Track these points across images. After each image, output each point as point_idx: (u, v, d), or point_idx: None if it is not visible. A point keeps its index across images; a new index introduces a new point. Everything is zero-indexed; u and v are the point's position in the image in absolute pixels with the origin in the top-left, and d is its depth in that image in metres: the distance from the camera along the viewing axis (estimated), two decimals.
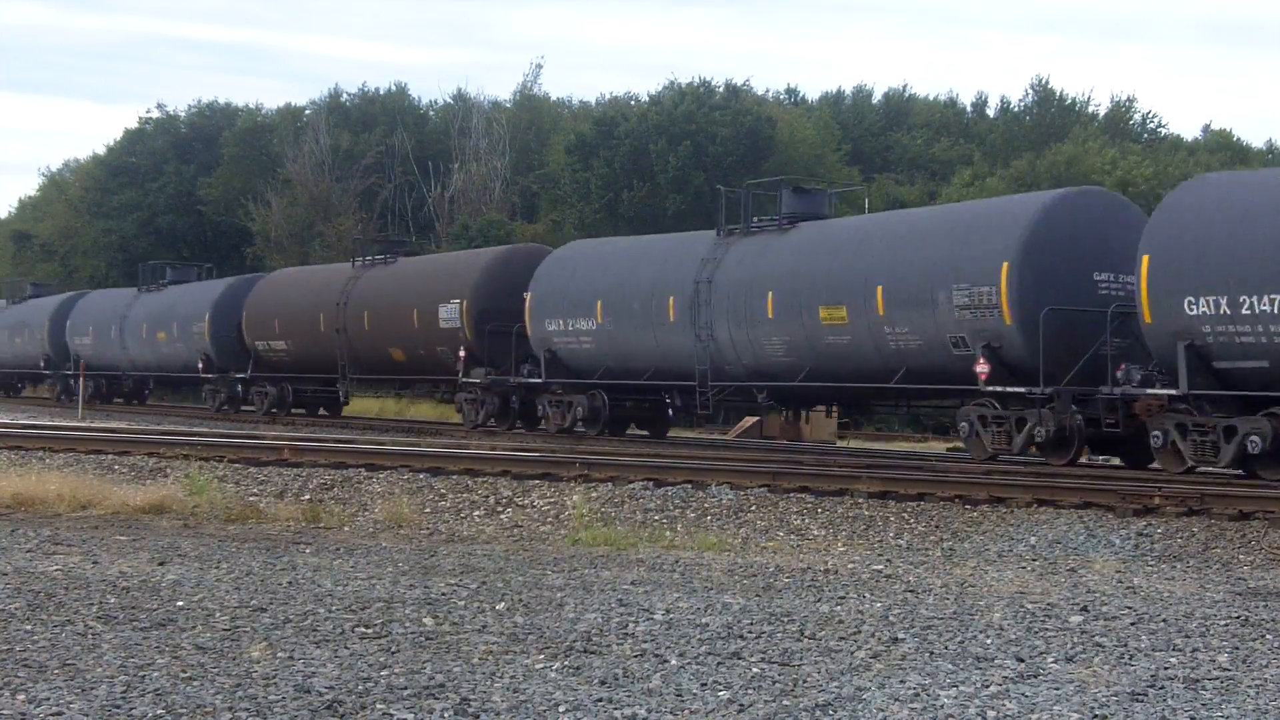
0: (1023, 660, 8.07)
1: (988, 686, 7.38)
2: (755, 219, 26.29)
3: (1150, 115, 62.95)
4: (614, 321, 27.19)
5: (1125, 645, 8.54)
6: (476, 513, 16.12)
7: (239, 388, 38.65)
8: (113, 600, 9.56)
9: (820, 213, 25.75)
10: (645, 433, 29.36)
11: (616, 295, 27.18)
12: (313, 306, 35.25)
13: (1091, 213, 20.94)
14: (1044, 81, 60.21)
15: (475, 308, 29.82)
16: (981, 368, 20.54)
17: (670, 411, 29.01)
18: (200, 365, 39.63)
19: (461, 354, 29.78)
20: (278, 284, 38.67)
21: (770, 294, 23.95)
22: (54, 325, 48.14)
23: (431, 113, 65.57)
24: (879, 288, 22.07)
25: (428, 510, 16.14)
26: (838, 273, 22.99)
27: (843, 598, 10.25)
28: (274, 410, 36.55)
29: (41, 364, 49.08)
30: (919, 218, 24.18)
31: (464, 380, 29.86)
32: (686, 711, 6.82)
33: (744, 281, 24.59)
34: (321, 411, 37.49)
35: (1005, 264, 20.30)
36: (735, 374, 25.05)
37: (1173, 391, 18.02)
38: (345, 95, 64.75)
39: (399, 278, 33.36)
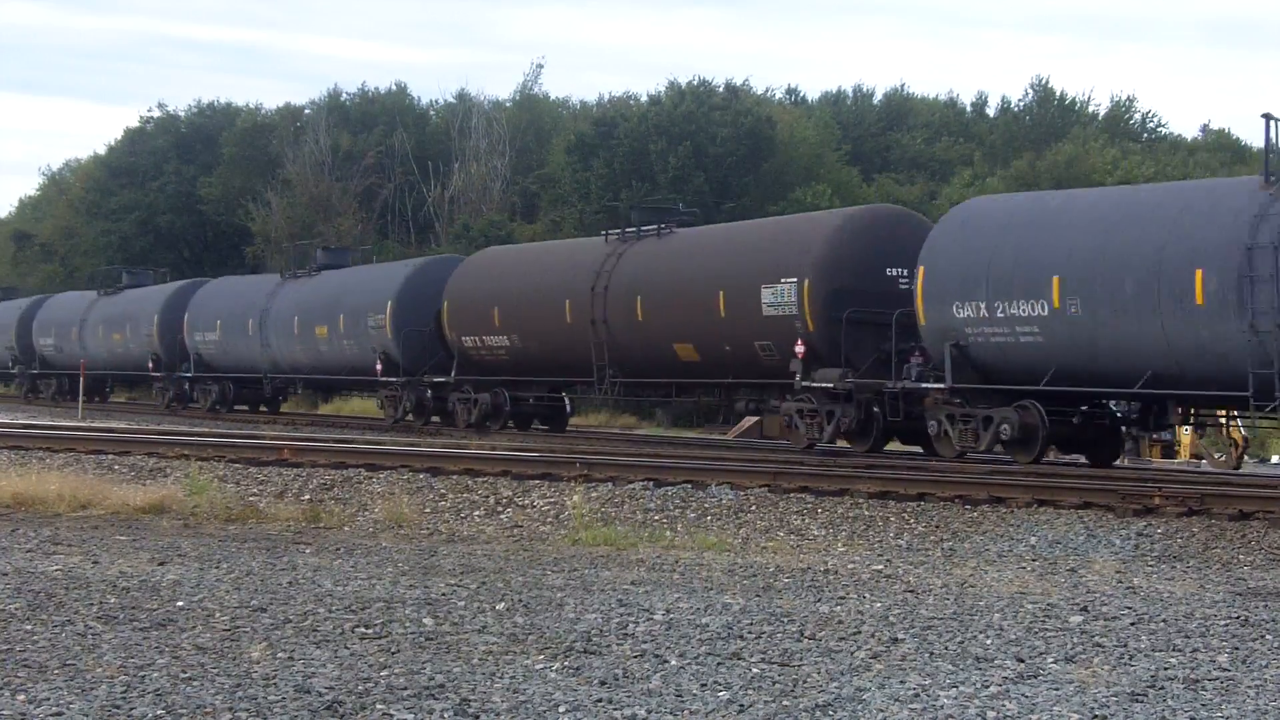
0: (1023, 660, 8.07)
1: (988, 687, 7.38)
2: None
3: (1150, 115, 63.02)
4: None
5: (1125, 645, 8.54)
6: (477, 513, 16.12)
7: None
8: (113, 600, 9.56)
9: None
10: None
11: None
12: (552, 292, 28.56)
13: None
14: (1044, 82, 60.26)
15: (822, 288, 22.97)
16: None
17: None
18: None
19: (799, 349, 23.07)
20: (492, 265, 31.86)
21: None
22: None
23: (432, 113, 65.55)
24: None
25: (428, 510, 16.14)
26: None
27: (843, 598, 10.25)
28: (487, 423, 30.07)
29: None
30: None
31: (802, 384, 23.08)
32: (686, 712, 6.82)
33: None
34: (537, 425, 31.31)
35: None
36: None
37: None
38: (345, 95, 64.76)
39: (683, 253, 26.63)
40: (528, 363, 29.25)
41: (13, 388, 52.69)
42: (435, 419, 31.86)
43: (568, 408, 31.04)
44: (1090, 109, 59.37)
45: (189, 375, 40.35)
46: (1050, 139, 52.66)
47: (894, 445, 24.11)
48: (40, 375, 49.12)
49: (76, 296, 50.13)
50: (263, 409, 39.86)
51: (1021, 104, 59.51)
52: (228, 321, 38.92)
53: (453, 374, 30.57)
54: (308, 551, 12.60)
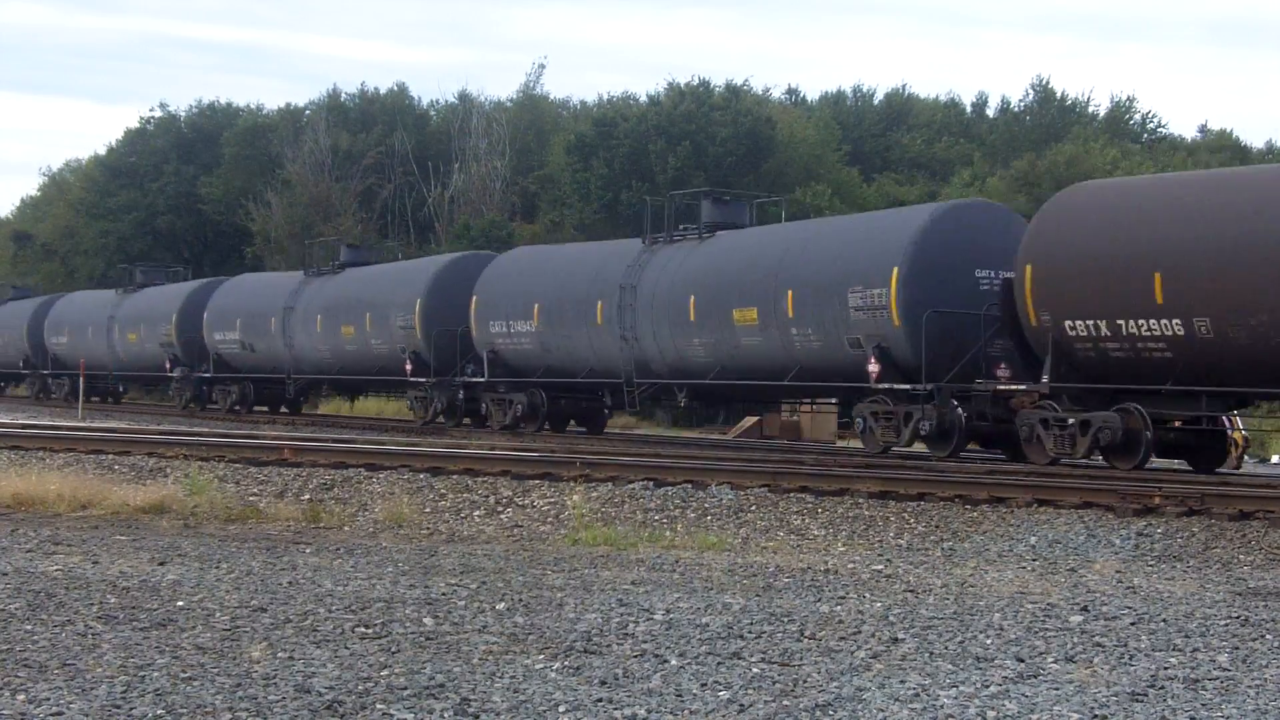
0: (1023, 660, 8.07)
1: (988, 687, 7.38)
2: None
3: (1150, 115, 63.02)
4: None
5: (1125, 645, 8.53)
6: (476, 513, 16.12)
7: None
8: (113, 600, 9.56)
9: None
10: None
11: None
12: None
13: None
14: (1045, 82, 60.25)
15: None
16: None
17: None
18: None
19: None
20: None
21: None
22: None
23: (432, 113, 65.53)
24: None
25: (428, 510, 16.14)
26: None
27: (843, 598, 10.25)
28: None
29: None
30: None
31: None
32: (686, 711, 6.82)
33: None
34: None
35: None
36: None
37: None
38: (345, 95, 64.75)
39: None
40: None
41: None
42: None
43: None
44: (1090, 109, 59.39)
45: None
46: (1050, 139, 52.65)
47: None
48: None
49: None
50: (283, 410, 38.87)
51: (1022, 104, 59.53)
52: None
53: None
54: (308, 551, 12.60)
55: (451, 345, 30.66)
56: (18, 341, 50.66)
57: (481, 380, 29.97)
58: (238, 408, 38.43)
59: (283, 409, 39.10)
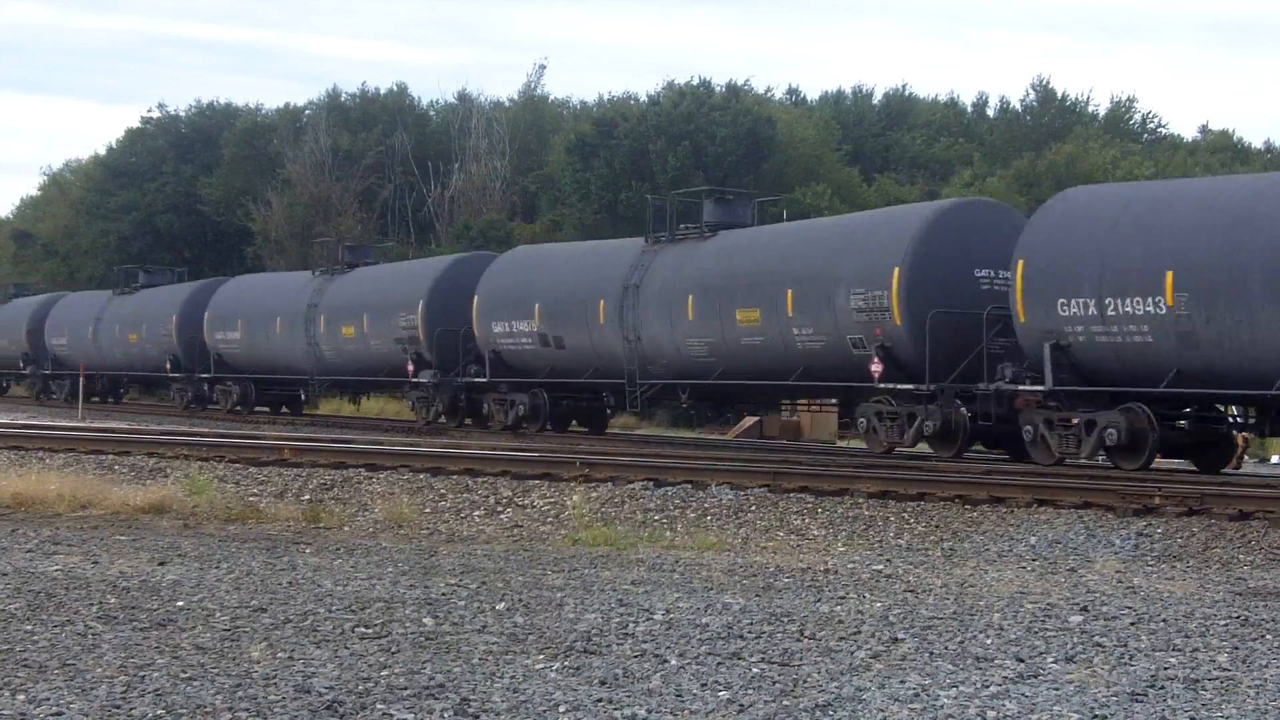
0: (1023, 660, 8.07)
1: (988, 687, 7.38)
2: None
3: (1150, 115, 62.99)
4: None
5: (1125, 645, 8.54)
6: (476, 513, 16.12)
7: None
8: (113, 600, 9.56)
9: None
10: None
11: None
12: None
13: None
14: (1045, 82, 60.22)
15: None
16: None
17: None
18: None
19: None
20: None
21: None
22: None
23: (432, 113, 65.53)
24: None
25: (428, 510, 16.14)
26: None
27: (843, 598, 10.25)
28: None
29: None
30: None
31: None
32: (686, 711, 6.82)
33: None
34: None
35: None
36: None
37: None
38: (345, 95, 64.73)
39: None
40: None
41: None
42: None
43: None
44: (1090, 109, 59.37)
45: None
46: (1050, 139, 52.63)
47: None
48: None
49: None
50: (284, 410, 38.91)
51: (1023, 104, 59.52)
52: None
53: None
54: (308, 551, 12.60)
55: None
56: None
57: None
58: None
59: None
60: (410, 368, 31.72)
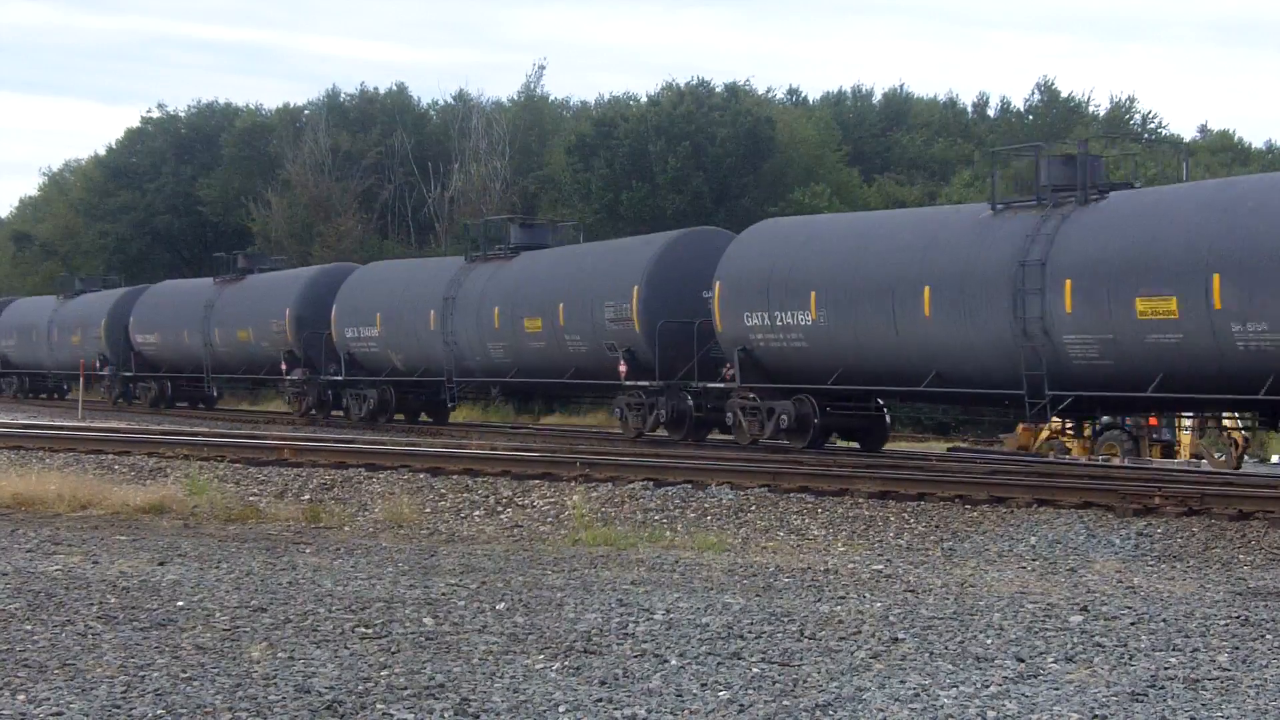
0: (1023, 660, 8.08)
1: (988, 686, 7.38)
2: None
3: (1151, 116, 62.97)
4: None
5: (1125, 645, 8.54)
6: (476, 513, 16.12)
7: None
8: (113, 600, 9.56)
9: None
10: None
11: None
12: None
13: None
14: (1050, 82, 60.22)
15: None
16: (623, 367, 26.32)
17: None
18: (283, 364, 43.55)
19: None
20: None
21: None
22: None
23: (432, 113, 65.48)
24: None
25: (428, 510, 16.14)
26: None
27: (843, 598, 10.25)
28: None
29: (99, 364, 51.01)
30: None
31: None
32: (686, 711, 6.82)
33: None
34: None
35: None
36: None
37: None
38: (345, 95, 64.68)
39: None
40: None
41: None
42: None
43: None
44: (1090, 109, 59.34)
45: (130, 375, 43.25)
46: (1050, 139, 52.59)
47: (895, 447, 25.02)
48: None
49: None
50: (201, 405, 43.32)
51: (1027, 103, 59.52)
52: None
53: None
54: (308, 551, 12.60)
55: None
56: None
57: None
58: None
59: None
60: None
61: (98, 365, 43.86)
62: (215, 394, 43.36)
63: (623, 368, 26.57)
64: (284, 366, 35.85)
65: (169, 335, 41.88)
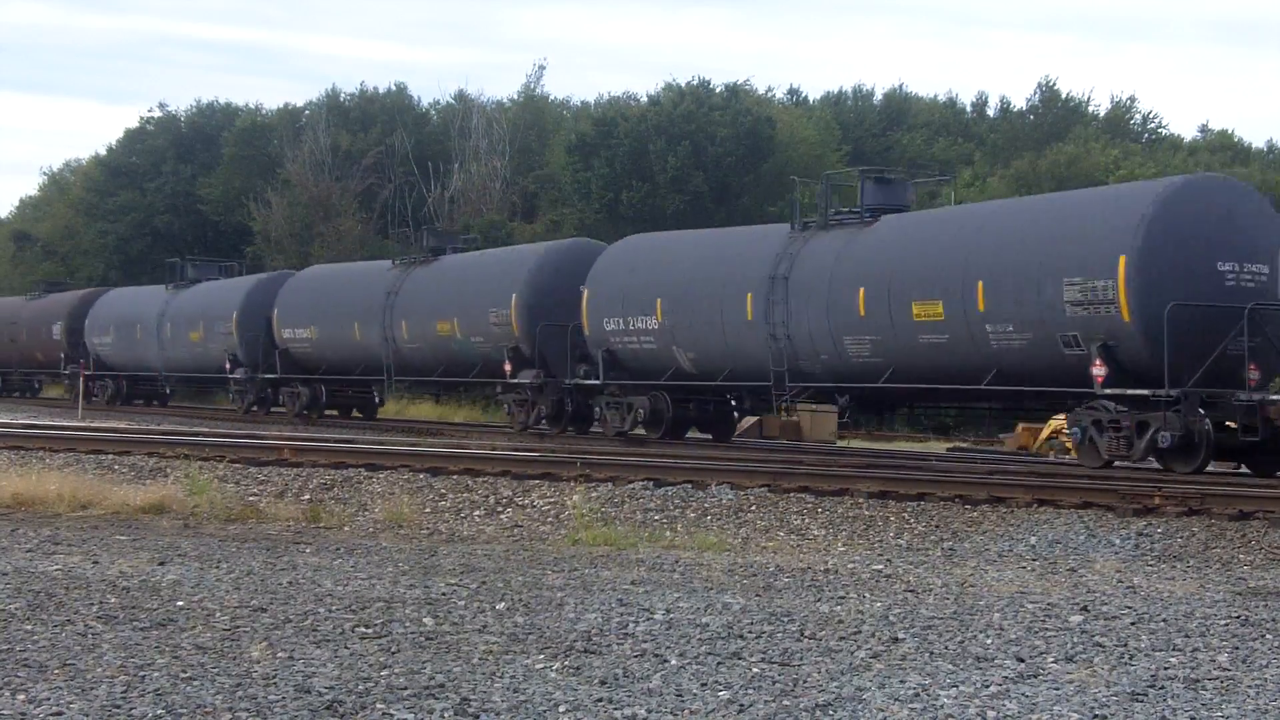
0: (1023, 660, 8.08)
1: (988, 686, 7.38)
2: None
3: (1151, 115, 63.01)
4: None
5: (1125, 645, 8.54)
6: (476, 513, 16.12)
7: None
8: (113, 600, 9.56)
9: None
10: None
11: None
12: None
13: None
14: (1051, 82, 60.25)
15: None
16: (1098, 369, 19.14)
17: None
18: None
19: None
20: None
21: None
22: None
23: (432, 113, 65.48)
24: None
25: (428, 510, 16.14)
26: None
27: (843, 598, 10.26)
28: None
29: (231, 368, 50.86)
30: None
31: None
32: (686, 711, 6.82)
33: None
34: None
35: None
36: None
37: (597, 381, 27.13)
38: (345, 95, 64.68)
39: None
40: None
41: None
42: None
43: (377, 399, 36.41)
44: (1091, 109, 59.40)
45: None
46: (1051, 139, 52.64)
47: (895, 447, 24.97)
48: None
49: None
50: (155, 402, 45.37)
51: (1028, 103, 59.56)
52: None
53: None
54: (308, 551, 12.60)
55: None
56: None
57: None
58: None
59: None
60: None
61: (227, 367, 38.71)
62: (379, 400, 36.94)
63: (1098, 369, 18.87)
64: (507, 366, 29.13)
65: (330, 329, 35.10)
